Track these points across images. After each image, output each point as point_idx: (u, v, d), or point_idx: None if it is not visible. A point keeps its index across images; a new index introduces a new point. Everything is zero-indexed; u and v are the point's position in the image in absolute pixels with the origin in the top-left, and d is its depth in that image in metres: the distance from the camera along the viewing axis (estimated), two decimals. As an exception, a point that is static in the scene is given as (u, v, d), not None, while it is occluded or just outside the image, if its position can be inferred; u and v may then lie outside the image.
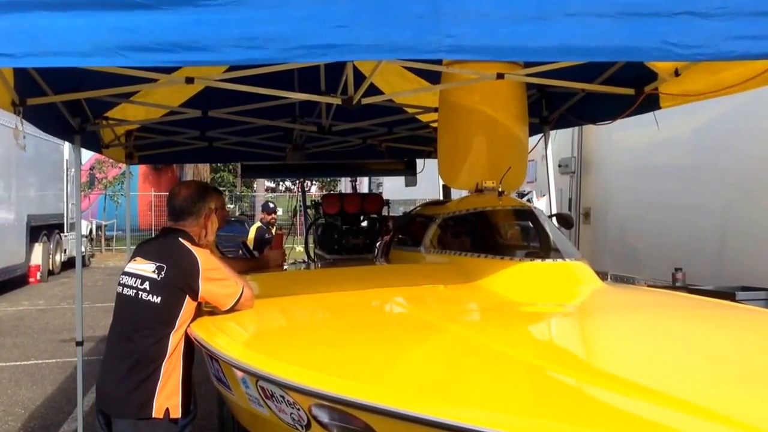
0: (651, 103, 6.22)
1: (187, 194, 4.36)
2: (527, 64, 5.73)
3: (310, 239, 9.50)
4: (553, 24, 3.13)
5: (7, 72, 4.56)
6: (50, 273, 20.89)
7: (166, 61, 3.03)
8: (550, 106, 7.72)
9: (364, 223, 8.80)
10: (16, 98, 4.80)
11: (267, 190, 46.45)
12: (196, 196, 4.36)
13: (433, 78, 6.88)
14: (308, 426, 3.13)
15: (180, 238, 4.19)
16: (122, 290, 4.17)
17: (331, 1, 3.04)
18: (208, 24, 2.96)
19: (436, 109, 7.70)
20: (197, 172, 36.25)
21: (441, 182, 9.67)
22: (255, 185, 41.43)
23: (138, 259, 4.21)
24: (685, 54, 3.25)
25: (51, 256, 21.19)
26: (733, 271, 7.95)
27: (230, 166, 39.51)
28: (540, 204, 10.32)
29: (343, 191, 21.91)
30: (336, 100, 5.76)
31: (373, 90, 6.35)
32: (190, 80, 5.40)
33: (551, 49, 3.22)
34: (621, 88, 6.21)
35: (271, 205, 12.87)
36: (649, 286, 7.10)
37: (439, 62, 5.87)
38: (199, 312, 4.19)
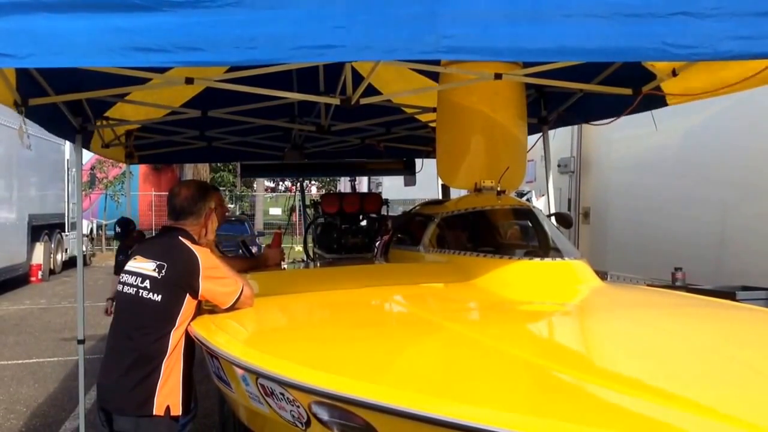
0: (651, 102, 6.26)
1: (188, 194, 4.38)
2: (525, 65, 5.74)
3: (309, 238, 9.52)
4: (551, 24, 3.16)
5: (9, 72, 4.58)
6: (51, 272, 20.94)
7: (167, 61, 3.07)
8: (549, 106, 7.74)
9: (363, 223, 8.81)
10: (18, 98, 4.83)
11: (267, 189, 46.47)
12: (196, 196, 4.38)
13: (435, 76, 6.90)
14: (308, 423, 3.15)
15: (180, 237, 4.22)
16: (123, 288, 4.19)
17: (328, 3, 3.06)
18: (207, 25, 2.99)
19: (434, 109, 7.73)
20: (197, 171, 36.17)
21: (440, 182, 9.69)
22: (255, 185, 41.44)
23: (138, 257, 4.23)
24: (681, 54, 3.28)
25: (52, 255, 21.24)
26: (732, 270, 7.97)
27: (230, 166, 39.51)
28: (539, 204, 10.34)
29: (342, 191, 21.93)
30: (334, 101, 5.79)
31: (372, 90, 6.37)
32: (189, 81, 5.42)
33: (549, 49, 3.24)
34: (619, 88, 6.23)
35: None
36: (649, 285, 7.11)
37: (437, 62, 5.88)
38: (199, 310, 4.21)
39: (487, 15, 3.14)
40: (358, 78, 5.69)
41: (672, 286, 7.54)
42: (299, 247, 11.41)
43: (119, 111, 7.60)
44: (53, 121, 6.09)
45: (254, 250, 11.28)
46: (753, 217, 7.95)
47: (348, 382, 2.87)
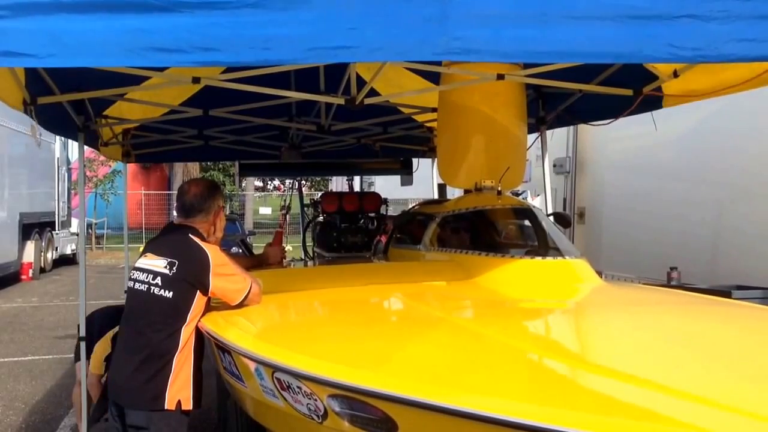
0: (651, 103, 6.31)
1: (198, 191, 4.43)
2: (527, 65, 5.78)
3: (307, 237, 9.54)
4: (559, 27, 3.22)
5: (20, 70, 4.60)
6: (42, 270, 20.89)
7: (184, 62, 3.09)
8: (547, 106, 7.78)
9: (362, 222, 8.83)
10: (27, 97, 4.86)
11: (256, 189, 46.29)
12: (206, 193, 4.42)
13: (432, 77, 6.93)
14: (325, 416, 3.19)
15: (190, 235, 4.27)
16: (134, 285, 4.24)
17: (342, 4, 3.12)
18: (223, 26, 3.03)
19: (432, 109, 7.77)
20: (186, 170, 36.06)
21: (435, 181, 9.72)
22: (244, 184, 41.23)
23: (149, 254, 4.27)
24: (687, 56, 3.35)
25: (42, 253, 21.19)
26: (726, 269, 8.03)
27: (220, 165, 39.33)
28: (534, 203, 10.38)
29: (333, 191, 21.88)
30: (339, 101, 5.82)
31: (371, 90, 6.40)
32: (196, 80, 5.43)
33: (557, 51, 3.30)
34: (619, 89, 6.28)
35: None
36: (645, 284, 7.17)
37: (438, 63, 5.92)
38: (209, 307, 4.27)
39: (496, 17, 3.20)
40: (358, 78, 5.73)
41: (667, 286, 7.60)
42: (289, 247, 11.36)
43: (118, 109, 7.60)
44: (57, 120, 6.08)
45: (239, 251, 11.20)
46: (747, 218, 8.01)
47: (369, 375, 2.92)
